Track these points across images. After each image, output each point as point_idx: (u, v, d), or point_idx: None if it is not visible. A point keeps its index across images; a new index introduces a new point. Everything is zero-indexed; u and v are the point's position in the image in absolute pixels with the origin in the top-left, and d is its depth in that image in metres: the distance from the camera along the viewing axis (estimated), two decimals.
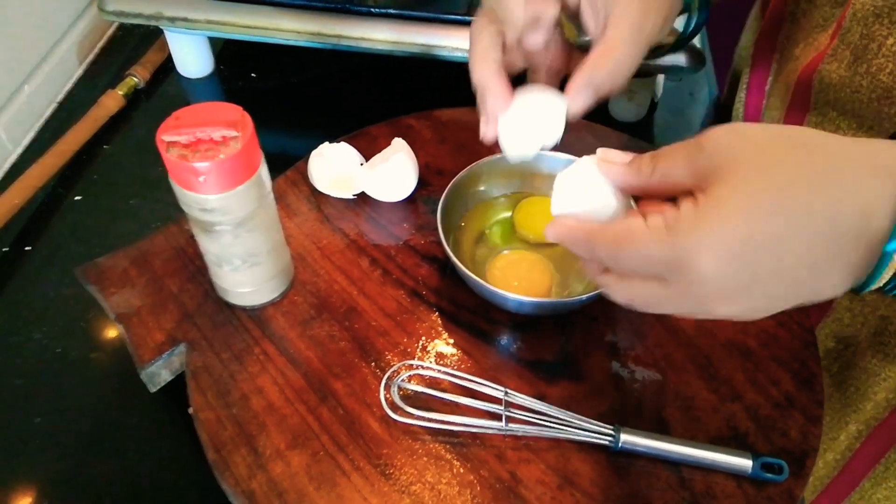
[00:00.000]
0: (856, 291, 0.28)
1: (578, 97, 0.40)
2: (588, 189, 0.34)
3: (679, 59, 0.58)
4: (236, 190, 0.38)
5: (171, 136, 0.37)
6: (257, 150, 0.39)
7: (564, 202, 0.35)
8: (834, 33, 0.45)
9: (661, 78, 0.66)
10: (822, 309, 0.50)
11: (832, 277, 0.27)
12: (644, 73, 0.60)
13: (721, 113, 0.67)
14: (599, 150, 0.34)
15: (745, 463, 0.39)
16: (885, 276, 0.26)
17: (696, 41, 0.59)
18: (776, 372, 0.43)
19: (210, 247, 0.42)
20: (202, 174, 0.37)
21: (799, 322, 0.46)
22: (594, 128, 0.58)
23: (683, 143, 0.30)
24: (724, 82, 0.70)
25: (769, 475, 0.39)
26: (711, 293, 0.28)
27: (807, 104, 0.48)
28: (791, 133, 0.28)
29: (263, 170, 0.40)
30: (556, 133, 0.42)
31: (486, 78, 0.41)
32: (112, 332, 0.51)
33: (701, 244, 0.27)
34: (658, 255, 0.28)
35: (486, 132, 0.42)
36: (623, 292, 0.31)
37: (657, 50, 0.47)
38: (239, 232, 0.41)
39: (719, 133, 0.28)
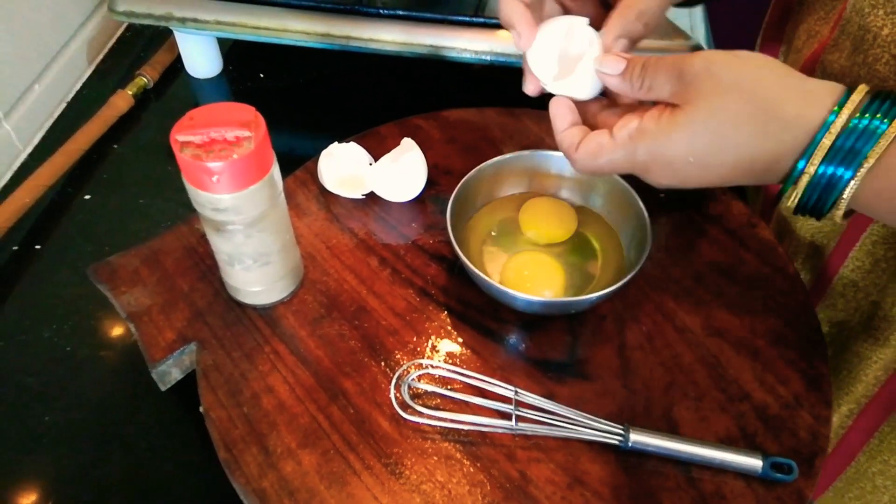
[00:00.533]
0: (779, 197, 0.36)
1: (614, 47, 0.40)
2: (581, 79, 0.40)
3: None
4: (249, 190, 0.39)
5: (185, 135, 0.37)
6: (269, 151, 0.40)
7: (559, 83, 0.40)
8: (835, 24, 0.46)
9: None
10: (816, 294, 0.51)
11: (747, 181, 0.37)
12: None
13: None
14: (597, 60, 0.38)
15: (754, 463, 0.39)
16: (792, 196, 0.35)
17: (701, 38, 0.59)
18: (785, 371, 0.44)
19: (222, 246, 0.42)
20: (216, 174, 0.37)
21: (807, 322, 0.46)
22: None
23: (669, 63, 0.35)
24: None
25: (779, 475, 0.39)
26: (655, 179, 0.37)
27: None
28: (747, 76, 0.34)
29: (275, 170, 0.41)
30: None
31: (510, 14, 0.39)
32: (122, 331, 0.51)
33: (653, 153, 0.36)
34: (622, 159, 0.37)
35: (526, 85, 0.42)
36: (588, 170, 0.39)
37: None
38: (251, 231, 0.41)
39: (697, 66, 0.34)
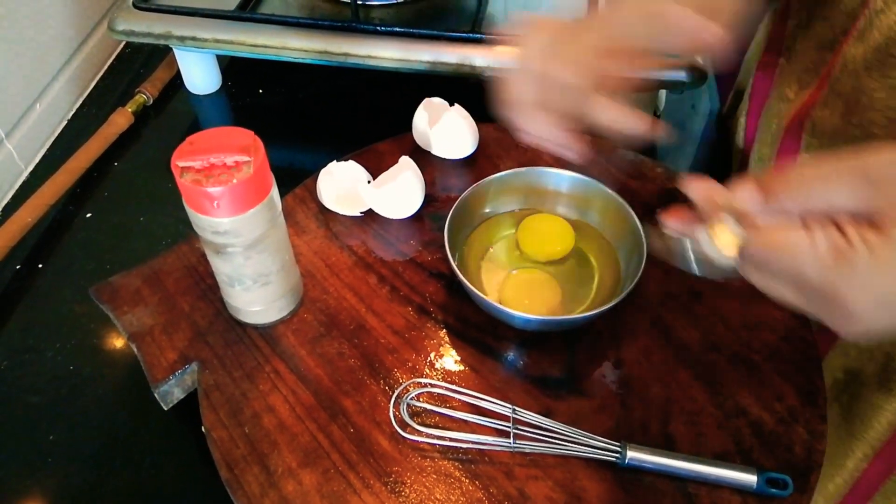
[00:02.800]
0: None
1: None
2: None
3: (680, 73, 0.58)
4: (248, 213, 0.39)
5: (186, 161, 0.38)
6: (268, 174, 0.40)
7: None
8: (823, 80, 0.45)
9: (663, 91, 0.67)
10: (828, 341, 0.50)
11: None
12: (646, 87, 0.61)
13: (722, 126, 0.68)
14: (733, 197, 0.31)
15: (749, 478, 0.39)
16: None
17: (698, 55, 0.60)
18: (781, 387, 0.44)
19: (222, 267, 0.43)
20: (216, 199, 0.37)
21: (802, 336, 0.46)
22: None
23: (844, 167, 0.28)
24: (726, 94, 0.71)
25: (774, 490, 0.39)
26: (851, 323, 0.28)
27: (797, 146, 0.48)
28: None
29: (274, 192, 0.41)
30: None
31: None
32: (125, 349, 0.52)
33: (866, 284, 0.27)
34: (814, 278, 0.28)
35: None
36: (757, 278, 0.30)
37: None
38: (250, 253, 0.42)
39: (887, 160, 0.27)
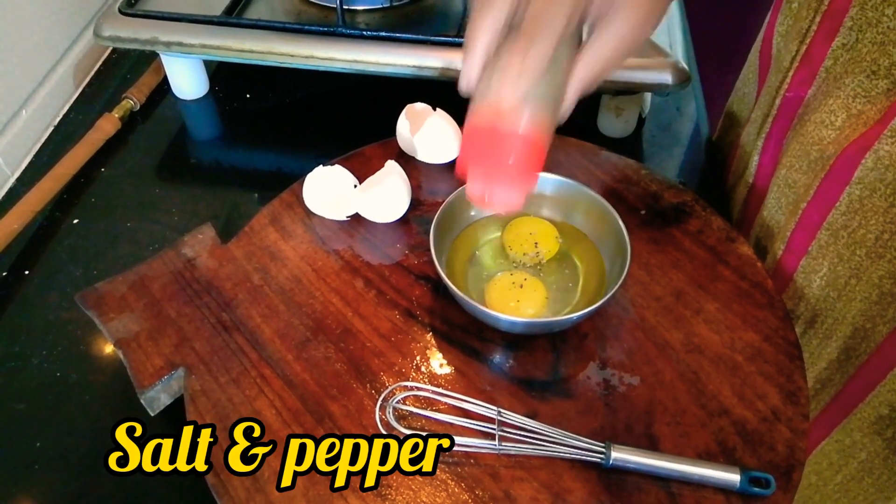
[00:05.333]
0: None
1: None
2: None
3: (665, 76, 0.59)
4: None
5: None
6: None
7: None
8: (890, 112, 0.42)
9: (648, 94, 0.68)
10: (871, 379, 0.50)
11: None
12: (631, 90, 0.62)
13: (711, 150, 0.68)
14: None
15: (732, 478, 0.40)
16: None
17: (682, 59, 0.60)
18: (763, 386, 0.44)
19: None
20: None
21: (785, 336, 0.47)
22: (582, 145, 0.59)
23: None
24: (715, 119, 0.71)
25: (757, 489, 0.40)
26: None
27: (849, 176, 0.46)
28: None
29: None
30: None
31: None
32: (111, 355, 0.52)
33: None
34: None
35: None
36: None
37: None
38: None
39: None
